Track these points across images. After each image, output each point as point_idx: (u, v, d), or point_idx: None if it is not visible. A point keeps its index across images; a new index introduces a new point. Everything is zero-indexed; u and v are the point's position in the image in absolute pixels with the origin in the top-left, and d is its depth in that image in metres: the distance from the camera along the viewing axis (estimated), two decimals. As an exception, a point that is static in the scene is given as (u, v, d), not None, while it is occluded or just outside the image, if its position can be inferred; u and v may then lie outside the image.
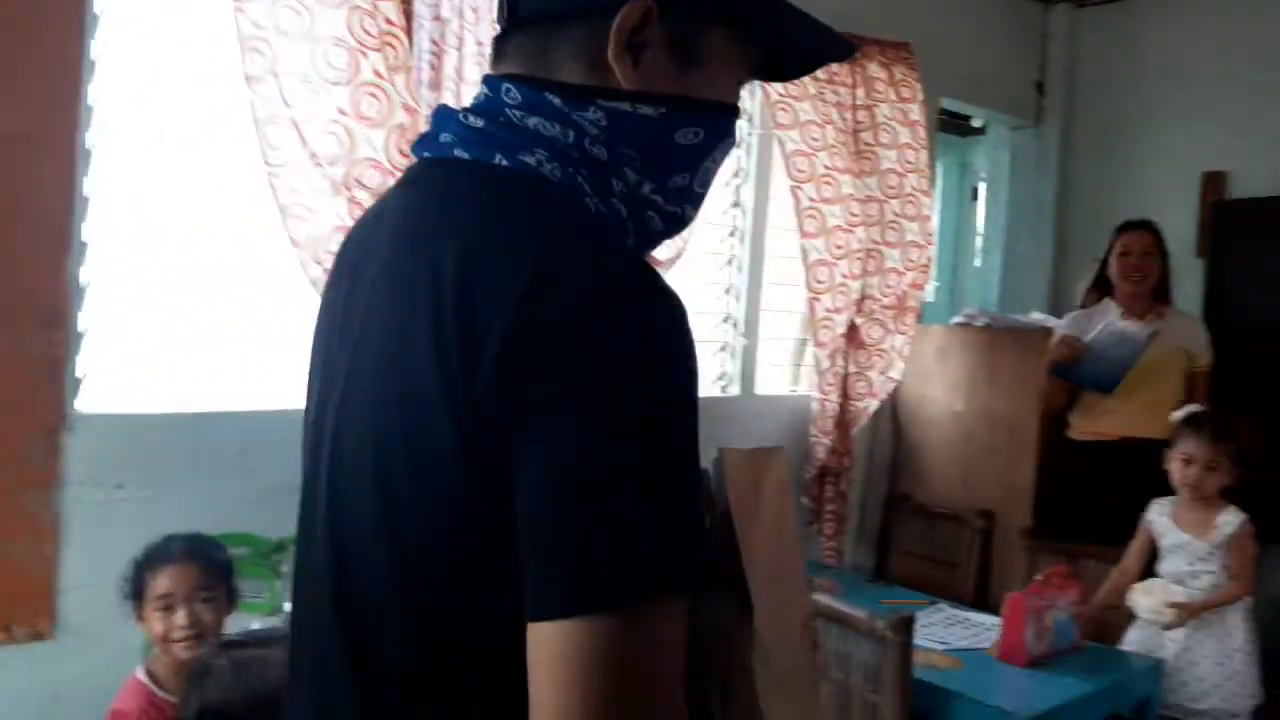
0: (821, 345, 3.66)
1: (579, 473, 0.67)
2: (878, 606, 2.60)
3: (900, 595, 3.39)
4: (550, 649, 0.67)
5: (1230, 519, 2.87)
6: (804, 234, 3.54)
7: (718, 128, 0.86)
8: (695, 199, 0.89)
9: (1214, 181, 4.48)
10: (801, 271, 3.57)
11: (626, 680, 0.67)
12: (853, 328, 3.73)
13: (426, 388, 0.70)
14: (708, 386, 3.67)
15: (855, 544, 3.99)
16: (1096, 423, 3.67)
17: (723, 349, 3.69)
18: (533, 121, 0.79)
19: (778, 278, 3.72)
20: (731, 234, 3.64)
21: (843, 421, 3.77)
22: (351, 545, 0.77)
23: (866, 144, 3.70)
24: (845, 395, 3.77)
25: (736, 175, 3.63)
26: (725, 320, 3.68)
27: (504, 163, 0.79)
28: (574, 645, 0.66)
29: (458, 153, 0.81)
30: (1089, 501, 3.54)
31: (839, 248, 3.59)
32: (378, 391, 0.76)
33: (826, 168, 3.53)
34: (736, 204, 3.64)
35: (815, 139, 3.51)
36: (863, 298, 3.72)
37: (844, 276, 3.63)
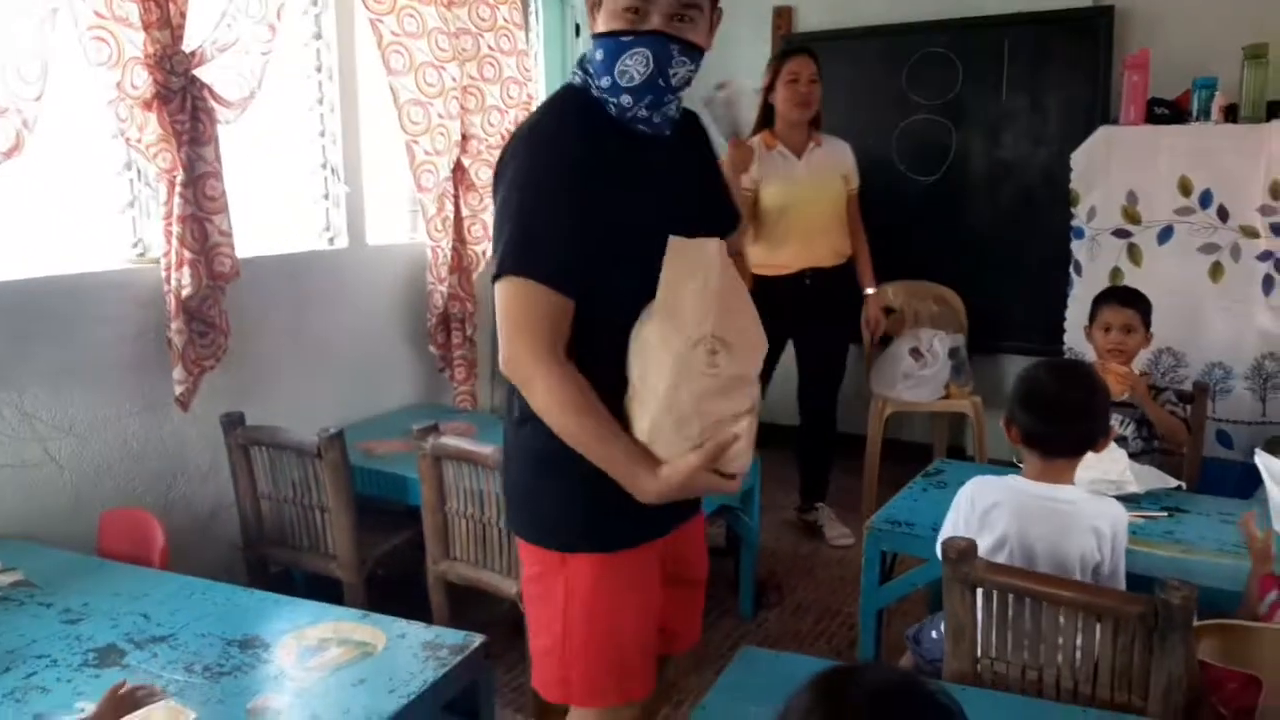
0: (425, 190, 3.53)
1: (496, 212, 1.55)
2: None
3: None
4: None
5: None
6: (390, 71, 3.33)
7: (608, 46, 1.50)
8: (621, 92, 1.51)
9: (783, 16, 4.80)
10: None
11: (509, 313, 1.50)
12: (460, 169, 3.63)
13: None
14: (311, 240, 3.45)
15: (489, 387, 3.99)
16: (774, 256, 3.68)
17: (325, 198, 3.46)
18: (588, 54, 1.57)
19: (381, 120, 3.49)
20: (318, 70, 3.36)
21: (461, 266, 3.70)
22: None
23: (453, -28, 3.53)
24: (461, 240, 3.70)
25: (315, 4, 3.33)
26: (323, 167, 3.43)
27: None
28: (496, 294, 1.51)
29: None
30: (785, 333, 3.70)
31: (430, 85, 3.43)
32: None
33: (406, -2, 3.32)
34: (318, 36, 3.35)
35: (393, -33, 3.28)
36: (466, 138, 3.62)
37: (440, 117, 3.48)
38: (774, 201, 3.67)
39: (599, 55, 1.51)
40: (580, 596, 1.60)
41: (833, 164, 3.75)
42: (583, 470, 1.51)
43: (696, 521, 1.80)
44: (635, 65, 1.48)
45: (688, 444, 1.47)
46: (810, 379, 3.87)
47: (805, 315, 3.71)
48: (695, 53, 1.52)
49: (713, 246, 1.49)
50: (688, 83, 1.54)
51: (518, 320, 1.49)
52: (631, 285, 1.49)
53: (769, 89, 3.69)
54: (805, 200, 3.67)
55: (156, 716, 1.54)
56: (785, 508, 4.09)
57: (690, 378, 1.45)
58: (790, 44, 4.72)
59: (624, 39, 1.48)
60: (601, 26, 1.51)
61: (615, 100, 1.53)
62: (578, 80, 1.57)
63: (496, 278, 1.49)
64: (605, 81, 1.51)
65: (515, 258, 1.47)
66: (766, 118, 3.73)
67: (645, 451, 1.49)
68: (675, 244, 1.48)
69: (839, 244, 3.77)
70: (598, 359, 1.51)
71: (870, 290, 3.92)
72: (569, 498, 1.58)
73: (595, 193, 1.49)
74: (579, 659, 1.62)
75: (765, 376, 3.83)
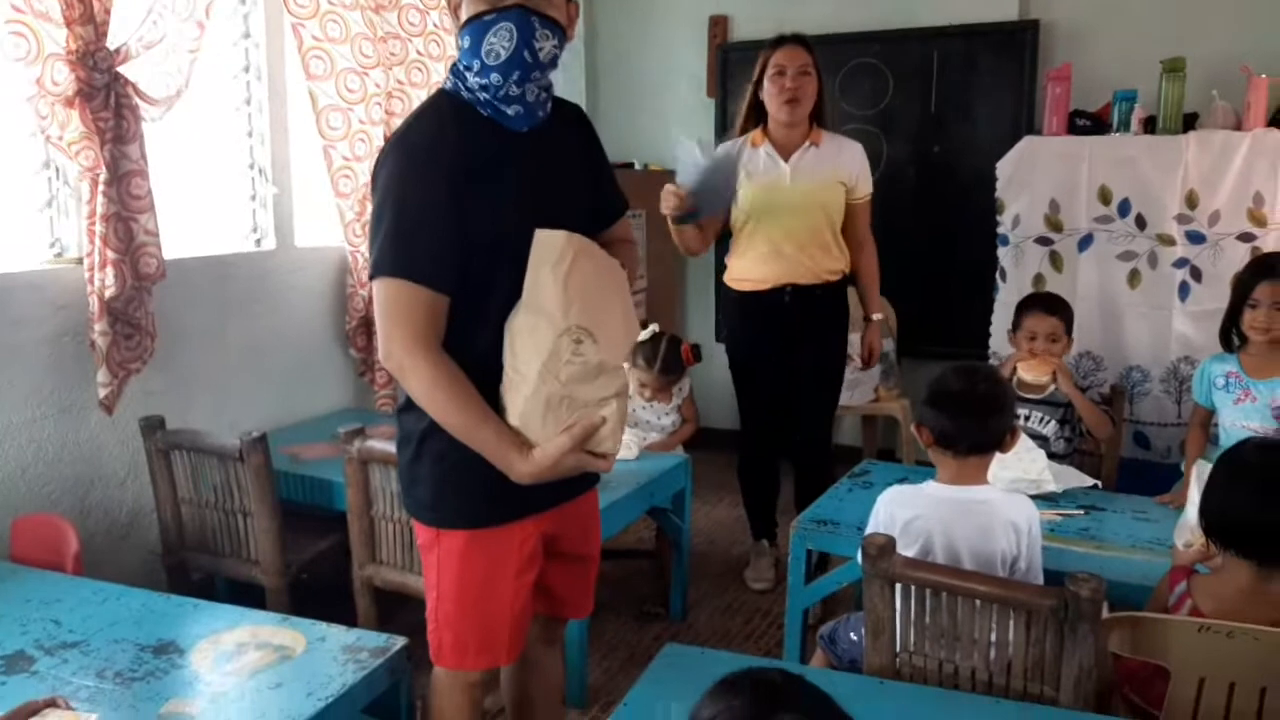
0: (342, 196, 3.49)
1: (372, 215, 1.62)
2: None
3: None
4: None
5: (683, 386, 3.48)
6: (310, 76, 3.30)
7: (472, 30, 1.56)
8: (489, 72, 1.57)
9: (719, 24, 4.84)
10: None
11: (386, 310, 1.57)
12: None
13: None
14: (239, 242, 3.40)
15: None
16: (750, 268, 3.29)
17: (252, 199, 3.41)
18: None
19: (310, 120, 3.42)
20: (246, 70, 3.32)
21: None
22: None
23: (385, -25, 3.50)
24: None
25: (244, 3, 3.29)
26: (251, 168, 3.39)
27: None
28: (374, 292, 1.60)
29: None
30: (755, 348, 3.37)
31: (352, 91, 3.40)
32: None
33: (331, 3, 3.28)
34: (247, 35, 3.31)
35: (319, -30, 3.26)
36: (391, 141, 3.58)
37: (361, 123, 3.45)
38: (749, 205, 3.21)
39: (466, 42, 1.57)
40: (450, 569, 1.73)
41: (829, 167, 3.22)
42: (453, 453, 1.62)
43: (586, 499, 1.87)
44: (500, 41, 1.54)
45: (557, 428, 1.56)
46: (801, 409, 3.42)
47: (790, 337, 3.28)
48: (556, 28, 1.58)
49: (560, 237, 1.57)
50: (554, 61, 1.60)
51: (394, 315, 1.56)
52: (502, 278, 1.58)
53: (757, 84, 3.25)
54: (787, 206, 3.20)
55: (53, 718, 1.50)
56: (716, 508, 4.11)
57: (556, 365, 1.55)
58: (727, 49, 4.78)
59: (487, 18, 1.54)
60: (465, 14, 1.58)
61: (485, 81, 1.57)
62: (449, 85, 1.65)
63: (373, 277, 1.58)
64: (475, 65, 1.57)
65: (389, 258, 1.56)
66: (757, 116, 3.29)
67: (517, 435, 1.58)
68: (538, 236, 1.57)
69: (827, 259, 3.25)
70: (474, 349, 1.60)
71: (876, 316, 3.42)
72: (441, 479, 1.70)
73: (463, 193, 1.57)
74: (449, 626, 1.76)
75: (761, 404, 3.40)
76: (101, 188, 2.61)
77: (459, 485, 1.68)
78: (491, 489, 1.62)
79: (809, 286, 3.25)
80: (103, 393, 2.71)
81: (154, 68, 2.72)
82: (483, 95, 1.60)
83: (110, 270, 2.64)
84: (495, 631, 1.75)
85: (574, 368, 1.55)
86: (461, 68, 1.61)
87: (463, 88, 1.62)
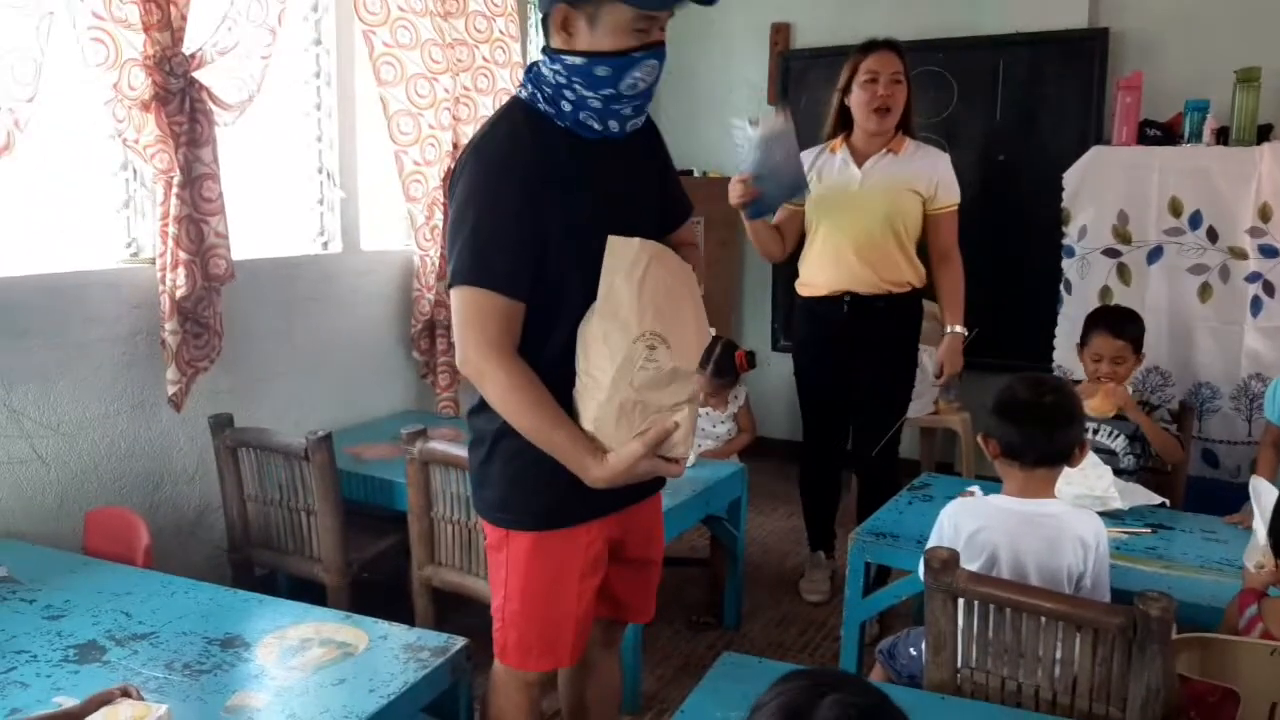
0: (413, 200, 3.53)
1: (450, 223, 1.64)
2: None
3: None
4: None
5: (739, 395, 3.51)
6: (381, 82, 3.35)
7: (618, 63, 1.56)
8: (621, 100, 1.60)
9: (781, 32, 4.83)
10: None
11: (464, 317, 1.60)
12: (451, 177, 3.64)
13: None
14: (306, 245, 3.46)
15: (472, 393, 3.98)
16: (813, 274, 3.26)
17: (320, 203, 3.47)
18: (538, 67, 1.63)
19: (378, 125, 3.47)
20: (316, 76, 3.38)
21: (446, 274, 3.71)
22: None
23: (453, -16, 3.55)
24: (450, 248, 3.71)
25: (315, 9, 3.36)
26: (319, 171, 3.45)
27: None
28: (452, 300, 1.63)
29: None
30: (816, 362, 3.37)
31: (421, 96, 3.44)
32: None
33: (401, 10, 3.33)
34: (318, 41, 3.37)
35: (391, -21, 3.31)
36: (458, 147, 3.61)
37: (431, 128, 3.50)
38: (815, 209, 3.19)
39: (602, 71, 1.57)
40: (518, 570, 1.76)
41: (905, 175, 3.14)
42: (523, 456, 1.66)
43: (651, 504, 1.89)
44: (646, 75, 1.60)
45: (630, 433, 1.59)
46: (860, 423, 3.40)
47: (848, 348, 3.25)
48: None
49: (634, 244, 1.60)
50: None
51: (471, 322, 1.61)
52: (577, 284, 1.61)
53: (844, 90, 3.17)
54: (852, 210, 3.14)
55: (123, 711, 1.54)
56: (771, 518, 4.08)
57: (630, 372, 1.57)
58: (788, 57, 4.76)
59: (636, 54, 1.57)
60: (606, 43, 1.56)
61: (598, 110, 1.60)
62: (525, 94, 1.66)
63: (451, 285, 1.63)
64: (605, 92, 1.58)
65: (468, 267, 1.59)
66: (842, 122, 3.23)
67: (591, 440, 1.61)
68: (612, 243, 1.60)
69: (891, 270, 3.17)
70: (548, 353, 1.63)
71: (955, 328, 3.26)
72: (510, 480, 1.74)
73: (540, 200, 1.60)
74: (514, 625, 1.79)
75: (821, 413, 3.40)
76: (175, 190, 2.68)
77: (528, 487, 1.71)
78: (559, 492, 1.66)
79: (869, 297, 3.18)
80: (171, 390, 2.78)
81: (228, 73, 2.78)
82: (581, 114, 1.61)
83: (181, 270, 2.71)
84: (559, 634, 1.78)
85: (647, 374, 1.57)
86: (559, 85, 1.60)
87: (541, 99, 1.63)
